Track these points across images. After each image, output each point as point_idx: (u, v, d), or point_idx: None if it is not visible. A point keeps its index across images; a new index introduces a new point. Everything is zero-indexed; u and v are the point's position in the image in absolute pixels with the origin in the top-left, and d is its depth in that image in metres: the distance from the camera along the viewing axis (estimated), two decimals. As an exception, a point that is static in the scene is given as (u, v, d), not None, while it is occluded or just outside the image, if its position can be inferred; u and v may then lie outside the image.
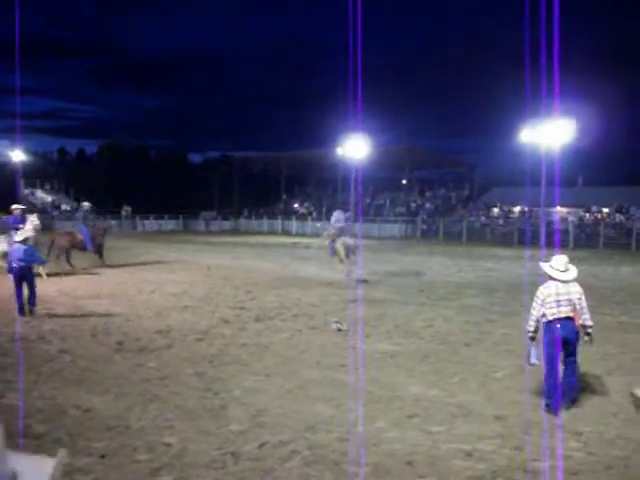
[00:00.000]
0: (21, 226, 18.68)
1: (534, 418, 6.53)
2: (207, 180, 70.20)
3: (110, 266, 21.21)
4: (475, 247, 35.08)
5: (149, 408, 6.93)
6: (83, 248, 20.84)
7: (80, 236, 20.79)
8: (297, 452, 5.76)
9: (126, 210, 41.50)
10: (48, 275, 17.83)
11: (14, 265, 12.33)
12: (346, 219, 21.70)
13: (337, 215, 21.45)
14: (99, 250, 21.48)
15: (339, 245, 19.20)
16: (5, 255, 17.92)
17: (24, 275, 12.39)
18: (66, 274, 18.62)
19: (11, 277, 12.48)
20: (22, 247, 12.47)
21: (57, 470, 1.28)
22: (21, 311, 12.26)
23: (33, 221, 18.67)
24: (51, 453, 1.73)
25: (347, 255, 19.02)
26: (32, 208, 51.77)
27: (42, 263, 13.36)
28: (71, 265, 20.12)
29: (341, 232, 20.41)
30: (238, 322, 11.95)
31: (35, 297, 12.58)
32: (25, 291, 12.44)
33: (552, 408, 6.83)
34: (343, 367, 8.63)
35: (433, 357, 9.43)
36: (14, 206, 20.10)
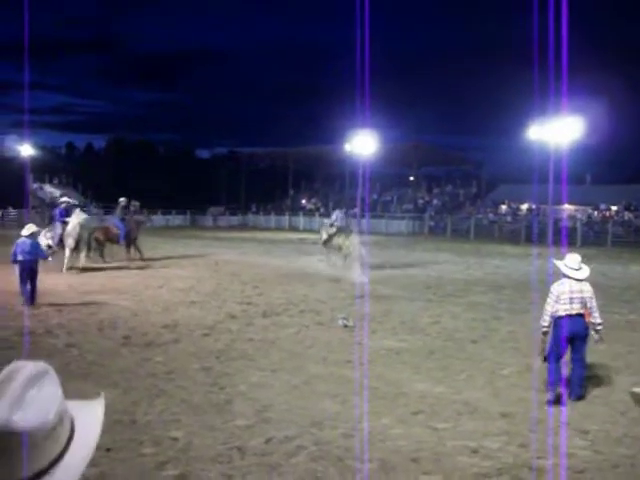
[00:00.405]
0: (67, 220, 18.89)
1: (540, 416, 6.51)
2: (214, 175, 70.20)
3: (144, 260, 21.40)
4: (483, 244, 34.97)
5: (155, 402, 6.95)
6: (117, 242, 21.10)
7: (116, 230, 21.04)
8: (303, 447, 5.76)
9: (134, 205, 41.68)
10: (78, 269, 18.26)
11: (20, 258, 12.51)
12: (346, 216, 22.05)
13: (336, 214, 21.68)
14: (134, 244, 21.72)
15: (342, 241, 19.48)
16: (51, 248, 18.21)
17: (30, 268, 12.56)
18: (89, 269, 18.63)
19: (16, 270, 12.67)
20: (28, 241, 12.68)
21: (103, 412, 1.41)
22: (28, 301, 12.48)
23: (79, 215, 18.82)
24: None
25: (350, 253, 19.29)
26: (41, 202, 52.09)
27: (45, 258, 13.54)
28: (104, 260, 20.36)
29: (340, 229, 20.70)
30: (245, 317, 11.97)
31: (36, 292, 12.73)
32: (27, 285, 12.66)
33: (555, 395, 7.00)
34: (349, 363, 8.63)
35: (439, 354, 9.42)
36: (62, 199, 20.27)
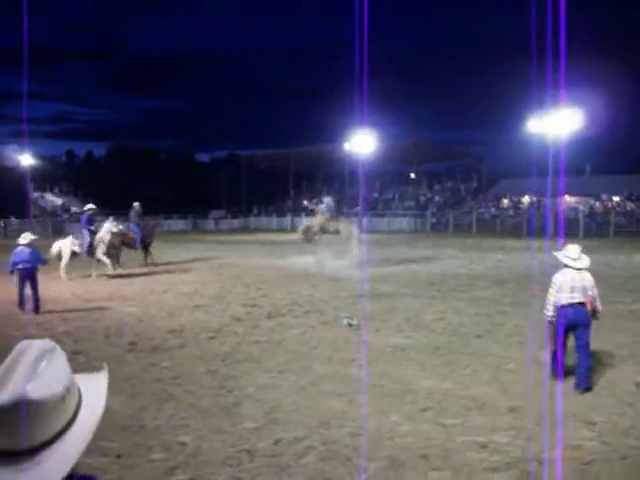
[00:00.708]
0: (92, 228, 19.04)
1: (548, 409, 6.51)
2: (215, 179, 70.31)
3: (147, 265, 21.55)
4: (485, 239, 34.95)
5: (163, 407, 6.96)
6: (134, 246, 21.13)
7: (132, 234, 21.07)
8: (312, 448, 5.77)
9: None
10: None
11: (19, 267, 12.69)
12: (336, 204, 22.88)
13: (327, 202, 22.04)
14: (147, 249, 21.81)
15: (337, 225, 20.12)
16: (76, 255, 18.35)
17: (30, 276, 12.73)
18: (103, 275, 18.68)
19: (14, 279, 12.84)
20: (27, 250, 12.88)
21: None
22: (21, 304, 12.83)
23: (105, 227, 18.98)
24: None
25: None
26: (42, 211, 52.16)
27: (44, 263, 13.66)
28: (118, 265, 20.43)
29: (332, 216, 21.23)
30: (250, 320, 11.98)
31: (39, 299, 12.91)
32: (28, 291, 12.87)
33: (557, 375, 7.23)
34: (355, 362, 8.63)
35: (445, 350, 9.42)
36: (88, 206, 20.27)
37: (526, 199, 46.69)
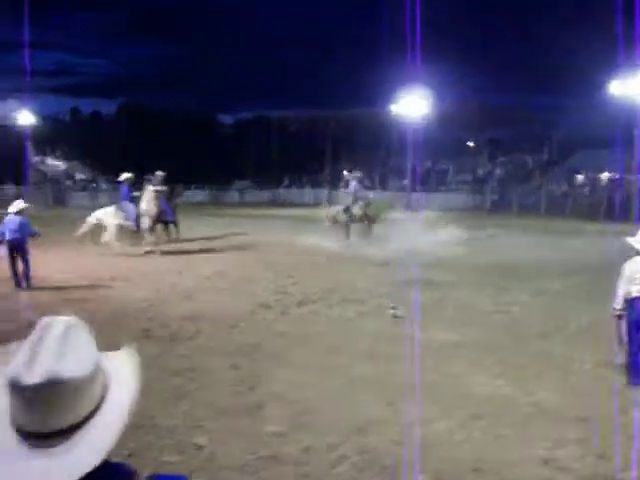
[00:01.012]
0: (134, 194, 19.64)
1: (623, 420, 6.47)
2: (240, 144, 70.31)
3: (170, 241, 22.00)
4: (555, 221, 34.54)
5: (178, 405, 7.08)
6: (166, 218, 21.57)
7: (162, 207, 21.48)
8: (346, 457, 5.81)
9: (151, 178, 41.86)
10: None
11: (8, 237, 13.12)
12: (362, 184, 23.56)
13: (354, 186, 22.88)
14: (174, 221, 22.48)
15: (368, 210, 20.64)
16: (121, 228, 18.96)
17: (19, 248, 13.32)
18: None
19: (2, 250, 13.40)
20: (17, 219, 13.30)
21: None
22: (18, 283, 13.40)
23: (149, 198, 19.47)
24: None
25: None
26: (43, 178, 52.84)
27: (36, 235, 13.94)
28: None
29: (358, 198, 21.92)
30: (278, 307, 12.06)
31: (29, 270, 13.46)
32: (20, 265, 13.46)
33: (633, 380, 7.26)
34: (399, 359, 8.64)
35: (503, 348, 9.38)
36: (125, 176, 20.65)
37: (605, 175, 45.88)
